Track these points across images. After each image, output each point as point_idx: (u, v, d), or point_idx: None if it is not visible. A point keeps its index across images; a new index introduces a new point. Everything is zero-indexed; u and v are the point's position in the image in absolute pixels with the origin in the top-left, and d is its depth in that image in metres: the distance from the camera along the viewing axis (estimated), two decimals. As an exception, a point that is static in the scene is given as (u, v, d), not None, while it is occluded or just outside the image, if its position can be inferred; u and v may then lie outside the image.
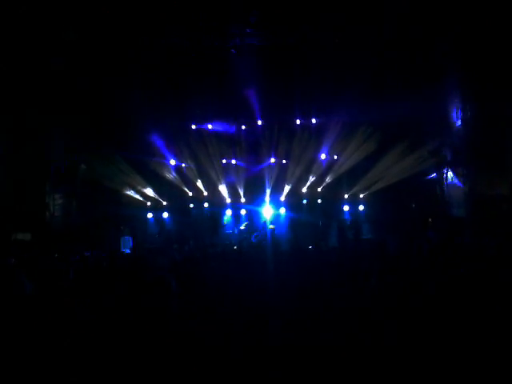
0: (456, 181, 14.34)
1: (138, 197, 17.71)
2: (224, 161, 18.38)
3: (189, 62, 14.50)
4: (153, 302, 2.82)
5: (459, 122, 13.86)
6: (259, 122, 17.91)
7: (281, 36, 13.70)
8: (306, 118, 17.84)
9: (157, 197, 18.14)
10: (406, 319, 2.74)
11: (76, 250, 12.60)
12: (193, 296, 4.00)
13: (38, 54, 12.32)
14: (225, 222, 18.31)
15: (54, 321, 3.12)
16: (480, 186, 13.15)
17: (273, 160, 18.35)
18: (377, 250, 6.53)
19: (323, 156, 18.11)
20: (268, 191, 18.21)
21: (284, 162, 18.34)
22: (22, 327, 3.02)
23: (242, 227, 17.47)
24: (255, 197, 18.36)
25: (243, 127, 18.11)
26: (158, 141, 17.35)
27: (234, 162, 18.43)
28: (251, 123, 18.05)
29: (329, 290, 4.25)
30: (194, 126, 17.86)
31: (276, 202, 18.25)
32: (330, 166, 18.20)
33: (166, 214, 18.04)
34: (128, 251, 14.82)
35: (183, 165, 18.28)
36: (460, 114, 13.82)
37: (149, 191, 17.93)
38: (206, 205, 18.43)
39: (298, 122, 17.85)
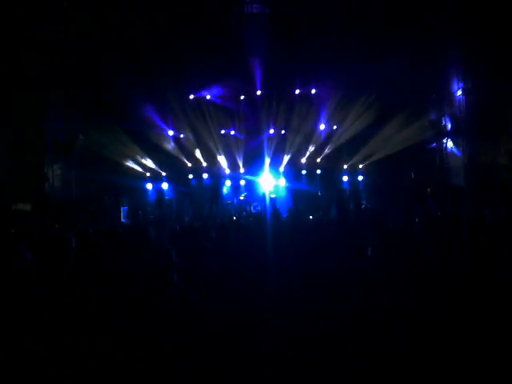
0: (456, 150, 14.31)
1: (137, 167, 17.66)
2: (223, 131, 18.29)
3: (189, 29, 14.24)
4: (154, 272, 2.84)
5: (459, 92, 13.74)
6: (258, 93, 17.72)
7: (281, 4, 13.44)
8: (305, 88, 17.65)
9: (156, 167, 18.10)
10: (406, 290, 2.77)
11: (76, 220, 12.69)
12: (193, 267, 4.04)
13: (34, 21, 12.06)
14: (224, 193, 18.34)
15: (55, 292, 3.14)
16: (479, 156, 13.14)
17: (272, 131, 18.25)
18: (376, 220, 6.57)
19: (322, 126, 18.02)
20: (267, 161, 18.18)
21: (283, 132, 18.25)
22: (22, 300, 3.04)
23: (241, 197, 17.51)
24: (254, 167, 18.35)
25: (242, 97, 17.94)
26: (156, 111, 17.19)
27: (232, 132, 18.34)
28: (250, 93, 17.87)
29: (329, 260, 4.28)
30: (191, 96, 17.69)
31: (275, 173, 18.25)
32: (329, 136, 18.13)
33: (165, 185, 18.05)
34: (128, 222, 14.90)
35: (181, 135, 18.19)
36: (460, 84, 13.68)
37: (148, 162, 17.88)
38: (205, 175, 18.44)
39: (297, 91, 17.66)
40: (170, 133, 17.97)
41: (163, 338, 2.67)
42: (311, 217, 12.86)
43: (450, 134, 14.50)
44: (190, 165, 18.45)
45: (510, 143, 12.56)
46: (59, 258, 3.42)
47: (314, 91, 17.73)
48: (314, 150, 18.24)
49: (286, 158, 18.26)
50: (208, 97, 17.78)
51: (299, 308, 3.75)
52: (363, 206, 13.08)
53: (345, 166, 18.10)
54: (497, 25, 11.65)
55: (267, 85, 17.33)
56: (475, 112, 13.11)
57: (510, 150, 12.50)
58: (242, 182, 18.36)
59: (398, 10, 13.48)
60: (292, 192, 17.70)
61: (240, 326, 3.51)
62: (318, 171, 18.30)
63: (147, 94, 16.36)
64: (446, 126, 14.81)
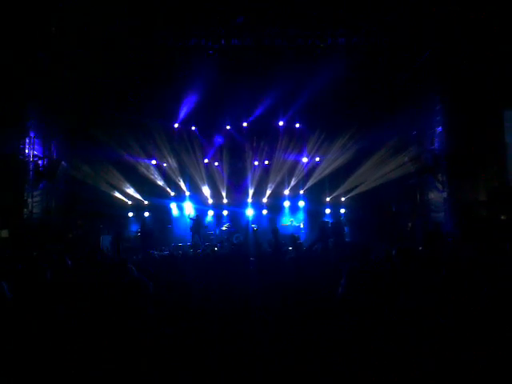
0: (436, 186, 14.52)
1: (119, 195, 17.51)
2: (206, 160, 18.39)
3: (173, 61, 14.42)
4: (129, 303, 2.78)
5: (439, 129, 14.06)
6: (244, 124, 17.92)
7: (267, 38, 13.68)
8: (289, 122, 17.97)
9: (138, 196, 17.99)
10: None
11: (55, 248, 12.45)
12: (171, 298, 3.97)
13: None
14: (206, 223, 18.25)
15: (29, 322, 3.06)
16: (459, 192, 13.36)
17: (256, 163, 18.43)
18: (359, 254, 6.58)
19: (305, 159, 18.26)
20: (250, 192, 18.25)
21: (267, 163, 18.43)
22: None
23: (224, 228, 17.43)
24: (237, 198, 18.37)
25: (228, 127, 18.09)
26: (139, 140, 17.20)
27: (216, 163, 18.45)
28: (235, 125, 18.08)
29: (309, 291, 4.27)
30: (176, 125, 17.79)
31: (258, 204, 18.29)
32: (312, 169, 18.34)
33: (147, 214, 17.91)
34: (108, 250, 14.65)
35: (164, 164, 18.20)
36: (441, 121, 14.02)
37: (130, 190, 17.77)
38: (188, 205, 18.37)
39: (281, 123, 17.92)
40: (153, 162, 17.97)
41: (134, 373, 2.60)
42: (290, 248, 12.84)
43: (431, 170, 14.74)
44: (172, 194, 18.40)
45: (489, 180, 12.83)
46: (33, 289, 3.34)
47: (298, 125, 18.02)
48: (297, 181, 18.41)
49: (269, 189, 18.35)
50: (193, 128, 17.93)
51: (281, 342, 3.69)
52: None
53: (327, 199, 18.24)
54: (478, 60, 12.03)
55: (252, 117, 17.56)
56: (455, 148, 13.38)
57: (490, 187, 12.76)
58: (225, 212, 18.33)
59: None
60: (274, 223, 17.67)
61: (217, 363, 3.43)
62: (302, 203, 18.41)
63: (131, 122, 16.42)
64: (426, 162, 15.05)
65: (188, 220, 17.10)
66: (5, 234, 12.25)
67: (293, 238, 9.18)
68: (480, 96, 12.31)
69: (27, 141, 13.32)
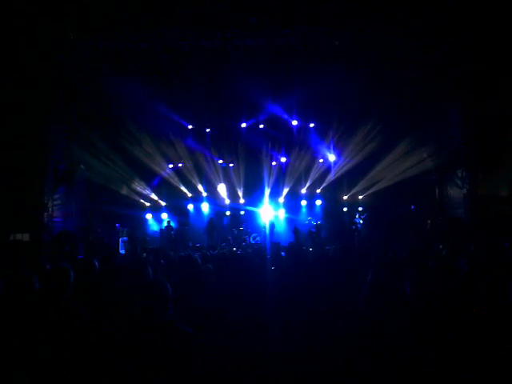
0: (455, 182, 14.34)
1: (137, 197, 17.67)
2: (221, 161, 18.47)
3: (187, 62, 14.42)
4: (148, 306, 2.80)
5: (458, 124, 13.86)
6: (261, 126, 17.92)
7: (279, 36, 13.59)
8: (303, 121, 17.89)
9: (156, 197, 18.14)
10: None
11: (76, 251, 12.62)
12: (189, 299, 3.99)
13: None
14: (224, 224, 18.32)
15: (52, 321, 3.11)
16: (479, 188, 13.16)
17: (274, 163, 18.44)
18: (380, 254, 6.51)
19: (321, 159, 18.21)
20: (267, 192, 18.24)
21: (283, 160, 18.42)
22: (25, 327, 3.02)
23: (241, 228, 17.46)
24: (254, 198, 18.38)
25: (243, 125, 18.07)
26: (157, 141, 17.33)
27: (231, 164, 18.52)
28: (251, 124, 18.07)
29: (330, 293, 4.24)
30: (190, 127, 17.86)
31: (275, 203, 18.27)
32: (328, 167, 18.26)
33: (164, 215, 18.04)
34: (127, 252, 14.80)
35: (180, 165, 18.31)
36: (459, 117, 13.82)
37: (147, 192, 17.92)
38: (205, 205, 18.47)
39: (295, 123, 17.87)
40: (170, 165, 18.09)
41: (156, 373, 2.61)
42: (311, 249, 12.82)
43: (450, 166, 14.55)
44: (190, 195, 18.50)
45: (509, 174, 12.60)
46: (58, 289, 3.39)
47: (312, 125, 17.95)
48: (314, 180, 18.35)
49: (286, 188, 18.32)
50: (208, 130, 18.01)
51: (299, 345, 3.69)
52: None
53: (345, 197, 18.13)
54: (497, 54, 11.80)
55: (267, 115, 17.53)
56: (474, 144, 13.19)
57: (510, 181, 12.54)
58: (242, 213, 18.37)
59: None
60: (292, 223, 17.63)
61: (237, 363, 3.45)
62: (319, 202, 18.35)
63: (148, 125, 16.53)
64: (445, 158, 14.85)
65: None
66: (26, 237, 12.43)
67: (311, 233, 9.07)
68: (499, 90, 12.09)
69: (47, 145, 13.51)
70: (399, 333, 2.56)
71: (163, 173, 18.02)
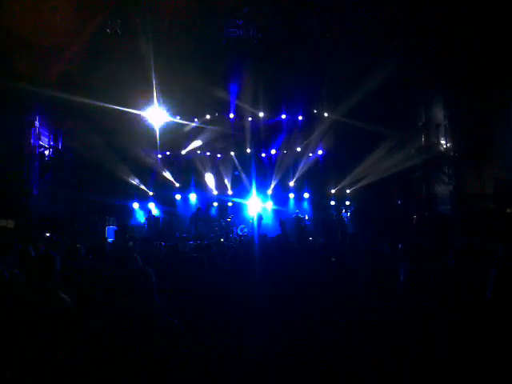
0: (442, 179, 14.45)
1: (124, 186, 17.51)
2: (208, 153, 18.44)
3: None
4: (132, 294, 2.78)
5: (446, 121, 13.96)
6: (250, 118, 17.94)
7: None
8: (292, 115, 17.97)
9: (143, 187, 18.01)
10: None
11: (62, 238, 12.49)
12: (175, 289, 3.98)
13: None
14: (211, 214, 18.27)
15: (37, 310, 3.08)
16: (465, 185, 13.29)
17: (263, 154, 18.46)
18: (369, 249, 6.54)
19: (310, 152, 18.27)
20: (255, 184, 18.24)
21: (273, 152, 18.45)
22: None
23: (228, 219, 17.44)
24: (242, 189, 18.37)
25: (231, 116, 18.03)
26: (145, 130, 17.17)
27: (219, 155, 18.49)
28: (240, 117, 18.07)
29: (316, 284, 4.27)
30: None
31: (263, 195, 18.28)
32: (317, 160, 18.32)
33: (152, 205, 17.94)
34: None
35: (169, 155, 18.23)
36: (447, 113, 13.91)
37: (135, 181, 17.78)
38: (192, 196, 18.41)
39: (283, 117, 17.91)
40: (159, 154, 17.97)
41: (140, 363, 2.60)
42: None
43: (437, 163, 14.65)
44: (177, 185, 18.42)
45: (496, 172, 12.74)
46: (44, 275, 3.37)
47: (300, 118, 17.99)
48: (302, 174, 18.39)
49: (274, 181, 18.34)
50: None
51: (288, 337, 3.70)
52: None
53: (332, 191, 18.21)
54: (485, 51, 11.87)
55: (258, 109, 17.54)
56: (462, 141, 13.30)
57: (497, 179, 12.67)
58: (230, 204, 18.35)
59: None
60: (279, 215, 17.66)
61: (223, 356, 3.45)
62: (306, 195, 18.41)
63: (137, 112, 16.36)
64: (431, 153, 14.95)
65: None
66: (10, 224, 12.28)
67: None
68: (487, 88, 12.19)
69: (32, 131, 13.32)
70: (392, 319, 2.59)
71: (151, 162, 17.92)
